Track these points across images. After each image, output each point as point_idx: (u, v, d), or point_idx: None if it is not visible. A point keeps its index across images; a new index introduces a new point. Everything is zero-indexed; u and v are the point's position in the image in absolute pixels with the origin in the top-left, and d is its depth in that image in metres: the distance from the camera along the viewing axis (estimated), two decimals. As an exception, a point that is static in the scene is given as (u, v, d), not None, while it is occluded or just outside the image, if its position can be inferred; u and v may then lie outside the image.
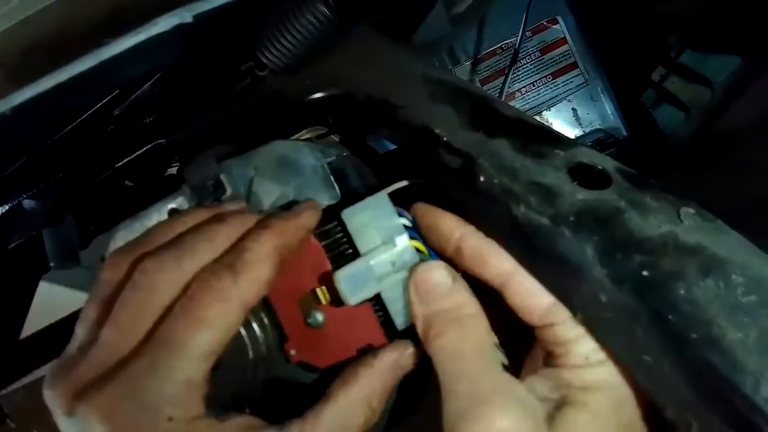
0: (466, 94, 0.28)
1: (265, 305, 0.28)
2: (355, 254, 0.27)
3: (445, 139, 0.26)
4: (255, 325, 0.28)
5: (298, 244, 0.27)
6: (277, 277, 0.27)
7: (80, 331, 0.25)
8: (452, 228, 0.25)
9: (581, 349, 0.22)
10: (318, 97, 0.30)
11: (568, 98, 0.68)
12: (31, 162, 0.40)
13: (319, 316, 0.28)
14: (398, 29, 0.46)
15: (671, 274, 0.20)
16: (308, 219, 0.27)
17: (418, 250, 0.26)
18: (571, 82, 0.69)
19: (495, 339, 0.24)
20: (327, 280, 0.28)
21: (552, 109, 0.69)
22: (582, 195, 0.23)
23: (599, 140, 0.70)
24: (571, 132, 0.68)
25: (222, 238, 0.25)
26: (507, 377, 0.23)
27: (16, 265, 0.42)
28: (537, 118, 0.69)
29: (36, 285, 0.47)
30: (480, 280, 0.25)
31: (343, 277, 0.26)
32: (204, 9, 0.22)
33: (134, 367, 0.23)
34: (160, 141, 0.37)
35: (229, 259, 0.24)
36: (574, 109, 0.69)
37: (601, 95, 0.68)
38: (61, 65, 0.27)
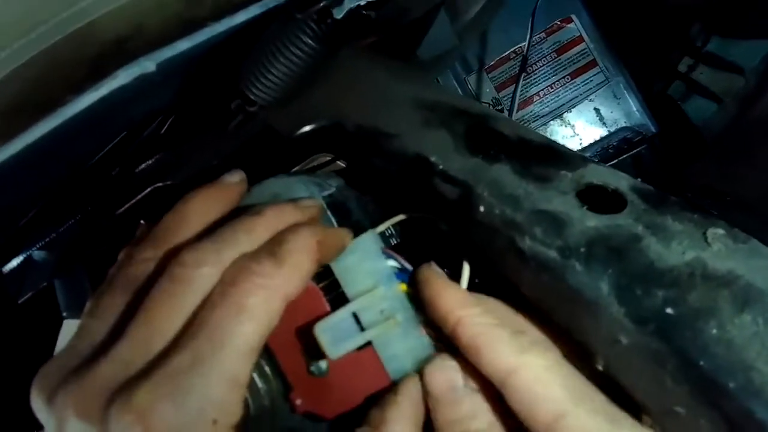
0: (462, 115, 0.26)
1: (266, 354, 0.27)
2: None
3: (440, 167, 0.24)
4: (256, 377, 0.26)
5: (336, 252, 0.25)
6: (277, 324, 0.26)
7: (93, 325, 0.22)
8: (451, 309, 0.23)
9: None
10: (306, 131, 0.28)
11: (589, 98, 0.66)
12: (39, 214, 0.40)
13: (322, 364, 0.26)
14: (401, 45, 0.44)
15: (700, 310, 0.17)
16: (347, 234, 0.25)
17: (410, 295, 0.24)
18: (591, 80, 0.66)
19: None
20: None
21: (573, 110, 0.66)
22: (593, 221, 0.20)
23: (626, 139, 0.67)
24: (595, 133, 0.65)
25: (261, 229, 0.24)
26: None
27: (33, 317, 0.42)
28: (558, 120, 0.66)
29: (56, 333, 0.47)
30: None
31: (323, 329, 0.24)
32: (167, 56, 0.20)
33: (174, 364, 0.20)
34: (158, 185, 0.36)
35: (270, 248, 0.22)
36: (596, 109, 0.66)
37: (625, 92, 0.65)
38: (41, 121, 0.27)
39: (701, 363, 0.16)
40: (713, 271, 0.18)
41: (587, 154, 0.67)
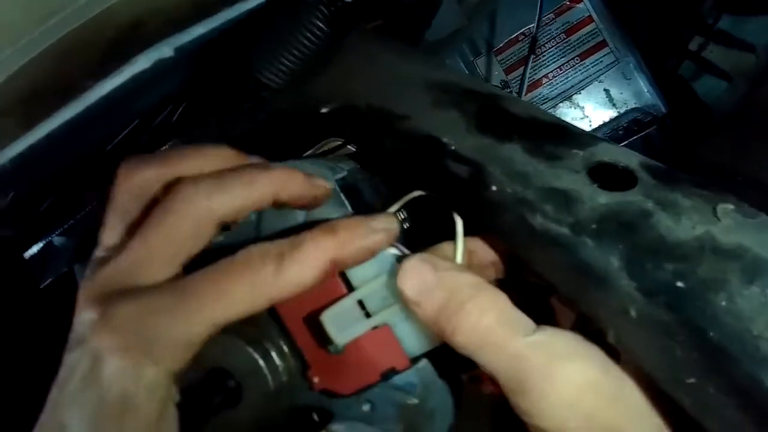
0: (473, 95, 0.26)
1: (284, 333, 0.28)
2: None
3: (452, 147, 0.25)
4: (274, 355, 0.27)
5: (359, 262, 0.25)
6: (294, 304, 0.26)
7: (107, 234, 0.25)
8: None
9: None
10: (320, 114, 0.29)
11: (599, 79, 0.65)
12: (57, 200, 0.41)
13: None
14: (410, 27, 0.44)
15: (710, 282, 0.18)
16: (377, 243, 0.25)
17: None
18: (601, 61, 0.65)
19: (504, 299, 0.22)
20: None
21: (583, 92, 0.66)
22: (604, 198, 0.21)
23: (636, 120, 0.67)
24: (605, 114, 0.65)
25: (260, 186, 0.25)
26: (547, 335, 0.21)
27: (53, 301, 0.43)
28: (567, 102, 0.66)
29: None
30: None
31: (329, 317, 0.25)
32: (184, 41, 0.21)
33: (152, 303, 0.22)
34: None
35: (284, 248, 0.23)
36: (606, 90, 0.66)
37: (635, 72, 0.65)
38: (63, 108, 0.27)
39: (711, 333, 0.17)
40: (722, 244, 0.18)
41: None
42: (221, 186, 0.24)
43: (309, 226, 0.26)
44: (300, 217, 0.28)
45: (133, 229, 0.24)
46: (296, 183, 0.25)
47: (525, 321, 0.22)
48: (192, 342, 0.23)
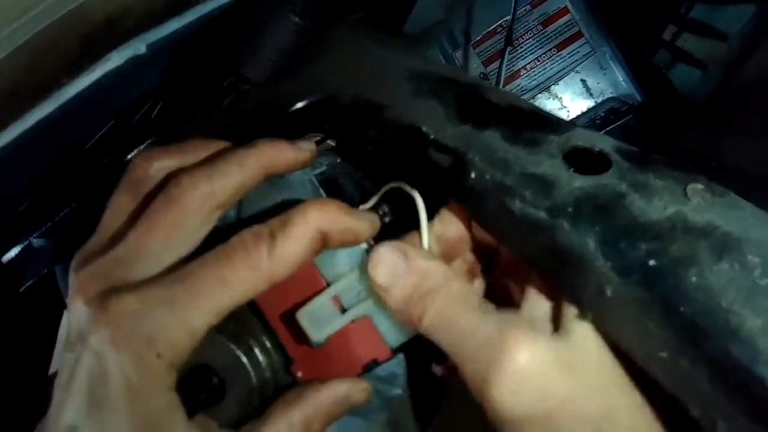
0: (452, 85, 0.27)
1: (267, 329, 0.28)
2: None
3: (432, 136, 0.25)
4: (257, 351, 0.27)
5: (344, 244, 0.25)
6: (275, 300, 0.27)
7: (109, 220, 0.25)
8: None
9: None
10: (301, 106, 0.29)
11: (575, 69, 0.66)
12: (35, 202, 0.40)
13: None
14: (388, 20, 0.44)
15: (681, 260, 0.18)
16: (364, 229, 0.25)
17: None
18: (578, 52, 0.66)
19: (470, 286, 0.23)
20: None
21: (560, 82, 0.67)
22: (580, 182, 0.21)
23: (613, 109, 0.68)
24: (583, 105, 0.66)
25: (252, 162, 0.25)
26: (504, 315, 0.21)
27: (34, 305, 0.43)
28: (546, 93, 0.66)
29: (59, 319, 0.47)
30: None
31: (305, 315, 0.25)
32: (158, 37, 0.21)
33: (153, 295, 0.22)
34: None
35: (273, 227, 0.24)
36: (583, 80, 0.66)
37: (610, 62, 0.66)
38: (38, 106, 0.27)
39: (682, 309, 0.17)
40: (693, 223, 0.19)
41: (575, 125, 0.68)
42: (218, 170, 0.24)
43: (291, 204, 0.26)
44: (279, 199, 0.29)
45: (134, 219, 0.24)
46: (284, 152, 0.26)
47: (488, 305, 0.22)
48: (194, 332, 0.22)
